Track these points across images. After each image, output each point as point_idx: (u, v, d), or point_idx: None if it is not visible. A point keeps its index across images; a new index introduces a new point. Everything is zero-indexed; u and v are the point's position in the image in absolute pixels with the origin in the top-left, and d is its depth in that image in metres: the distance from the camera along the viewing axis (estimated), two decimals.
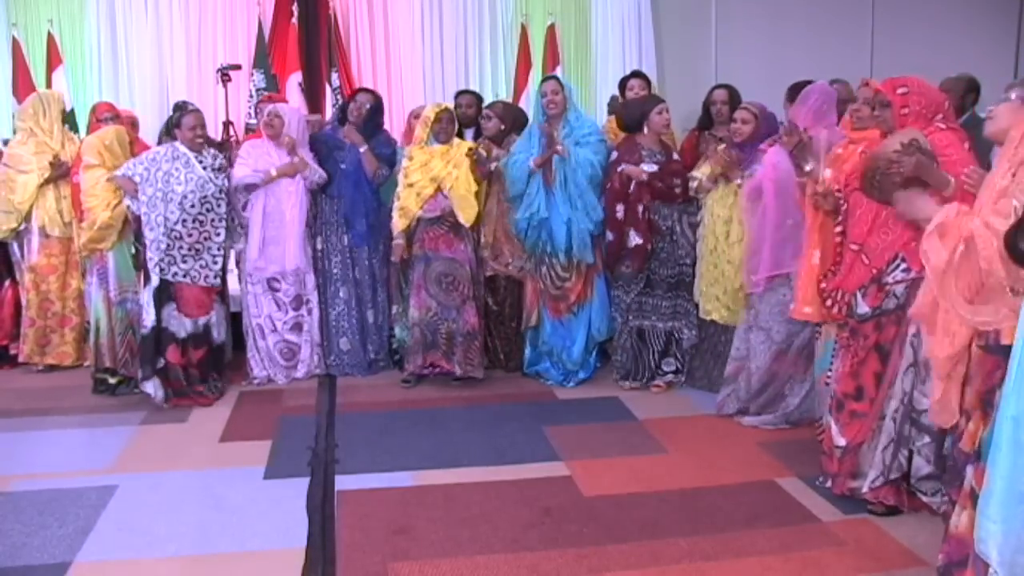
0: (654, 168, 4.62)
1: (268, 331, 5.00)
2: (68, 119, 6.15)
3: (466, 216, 4.74)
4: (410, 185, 4.75)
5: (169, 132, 4.87)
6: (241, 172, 4.79)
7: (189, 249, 4.55)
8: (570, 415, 4.46)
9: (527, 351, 5.06)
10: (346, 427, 4.15)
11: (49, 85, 6.31)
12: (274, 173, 4.81)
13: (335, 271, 5.09)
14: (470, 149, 4.85)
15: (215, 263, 4.64)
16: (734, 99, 4.78)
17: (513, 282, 5.05)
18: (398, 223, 4.77)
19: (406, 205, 4.74)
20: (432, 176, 4.73)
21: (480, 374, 4.91)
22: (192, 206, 4.53)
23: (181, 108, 4.99)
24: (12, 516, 3.26)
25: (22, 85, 6.19)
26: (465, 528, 3.15)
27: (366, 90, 5.35)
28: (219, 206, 4.62)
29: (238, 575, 2.89)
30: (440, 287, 4.81)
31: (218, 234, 4.63)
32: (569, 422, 4.33)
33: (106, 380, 4.84)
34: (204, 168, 4.58)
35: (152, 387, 4.53)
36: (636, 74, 5.66)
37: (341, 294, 5.09)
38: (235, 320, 5.22)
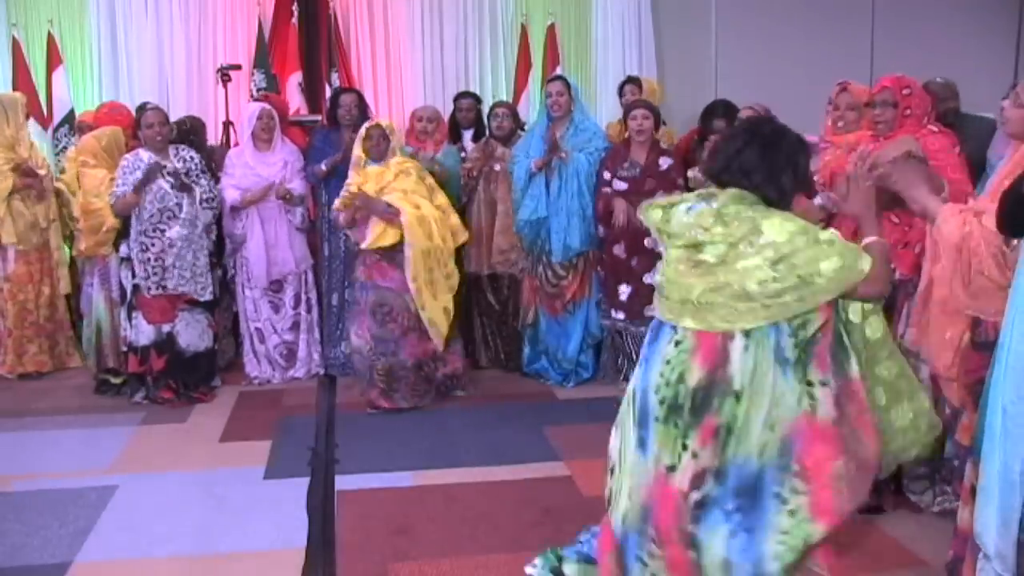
0: (624, 187, 4.61)
1: (268, 334, 5.01)
2: (68, 120, 6.18)
3: (417, 243, 4.28)
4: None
5: (136, 136, 4.74)
6: (230, 196, 4.81)
7: (156, 260, 4.47)
8: (570, 415, 4.46)
9: (525, 349, 5.06)
10: (346, 427, 4.13)
11: (49, 85, 6.31)
12: (243, 199, 4.79)
13: (336, 273, 5.09)
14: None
15: (191, 271, 4.52)
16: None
17: (516, 281, 5.06)
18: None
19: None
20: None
21: (427, 400, 4.57)
22: (151, 216, 4.44)
23: (142, 108, 4.88)
24: (12, 516, 3.27)
25: (22, 85, 6.17)
26: (465, 528, 3.16)
27: (347, 90, 5.34)
28: (181, 212, 4.48)
29: (238, 575, 2.89)
30: (374, 319, 4.45)
31: (186, 243, 4.51)
32: (569, 422, 4.33)
33: (109, 380, 4.84)
34: (167, 175, 4.47)
35: (140, 396, 4.64)
36: (630, 79, 5.67)
37: (344, 295, 5.09)
38: (235, 321, 5.22)
